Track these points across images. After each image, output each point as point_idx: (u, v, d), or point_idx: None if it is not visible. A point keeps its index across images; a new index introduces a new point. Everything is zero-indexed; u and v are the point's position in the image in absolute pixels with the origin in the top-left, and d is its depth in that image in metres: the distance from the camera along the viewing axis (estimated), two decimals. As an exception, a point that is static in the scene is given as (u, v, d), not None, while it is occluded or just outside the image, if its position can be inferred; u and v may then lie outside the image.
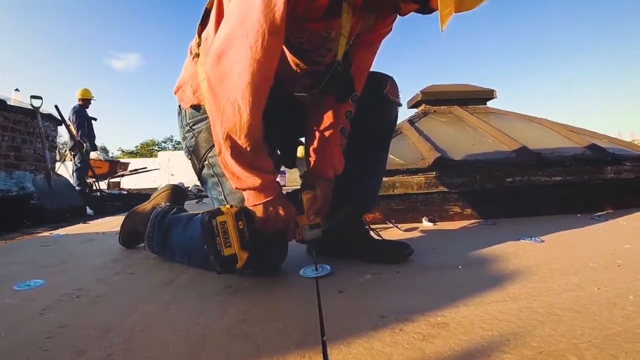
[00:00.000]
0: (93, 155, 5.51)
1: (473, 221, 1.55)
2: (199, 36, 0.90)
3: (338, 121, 0.92)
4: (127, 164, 7.72)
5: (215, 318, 0.65)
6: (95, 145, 5.46)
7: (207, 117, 0.89)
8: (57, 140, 5.42)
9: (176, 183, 2.55)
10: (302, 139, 1.02)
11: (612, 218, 1.42)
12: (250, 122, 0.68)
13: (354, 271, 0.87)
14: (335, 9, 0.75)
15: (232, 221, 0.74)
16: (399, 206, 1.57)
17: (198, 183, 1.08)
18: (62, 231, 1.92)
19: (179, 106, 0.98)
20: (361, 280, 0.81)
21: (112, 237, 1.52)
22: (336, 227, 0.94)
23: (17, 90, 4.06)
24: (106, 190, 4.92)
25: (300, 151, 1.07)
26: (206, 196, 2.33)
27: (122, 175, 6.68)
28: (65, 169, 5.51)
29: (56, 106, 4.12)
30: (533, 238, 1.12)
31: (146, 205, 1.21)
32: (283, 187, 0.92)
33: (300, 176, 0.98)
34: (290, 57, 0.83)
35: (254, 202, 0.77)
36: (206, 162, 0.93)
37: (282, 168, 1.08)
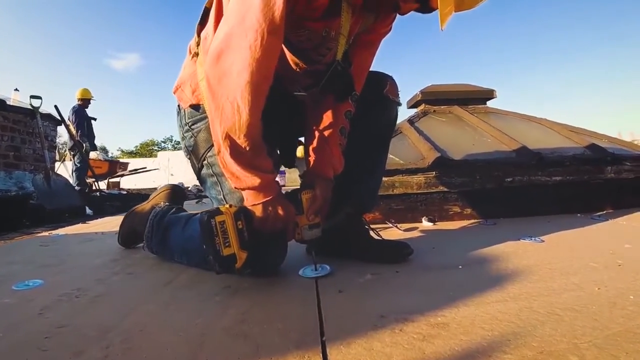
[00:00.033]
0: (92, 155, 5.51)
1: (473, 221, 1.54)
2: (198, 35, 0.90)
3: (338, 121, 0.92)
4: (127, 164, 7.72)
5: (214, 318, 0.64)
6: (94, 145, 5.46)
7: (206, 117, 0.89)
8: (57, 140, 5.41)
9: (176, 183, 2.55)
10: (302, 139, 1.02)
11: (612, 218, 1.42)
12: (249, 121, 0.68)
13: (354, 271, 0.87)
14: (335, 8, 0.75)
15: (231, 221, 0.73)
16: (398, 206, 1.57)
17: (197, 183, 1.08)
18: (61, 231, 1.92)
19: (178, 106, 0.98)
20: (361, 280, 0.81)
21: (111, 237, 1.51)
22: (336, 227, 0.94)
23: (16, 90, 4.05)
24: (105, 190, 4.92)
25: (299, 151, 1.07)
26: (205, 196, 2.33)
27: (122, 175, 6.69)
28: (65, 169, 5.50)
29: (56, 106, 4.11)
30: (533, 238, 1.12)
31: (145, 205, 1.21)
32: (282, 187, 0.92)
33: (300, 176, 0.97)
34: (289, 56, 0.83)
35: (253, 201, 0.76)
36: (205, 162, 0.93)
37: (282, 168, 1.08)
